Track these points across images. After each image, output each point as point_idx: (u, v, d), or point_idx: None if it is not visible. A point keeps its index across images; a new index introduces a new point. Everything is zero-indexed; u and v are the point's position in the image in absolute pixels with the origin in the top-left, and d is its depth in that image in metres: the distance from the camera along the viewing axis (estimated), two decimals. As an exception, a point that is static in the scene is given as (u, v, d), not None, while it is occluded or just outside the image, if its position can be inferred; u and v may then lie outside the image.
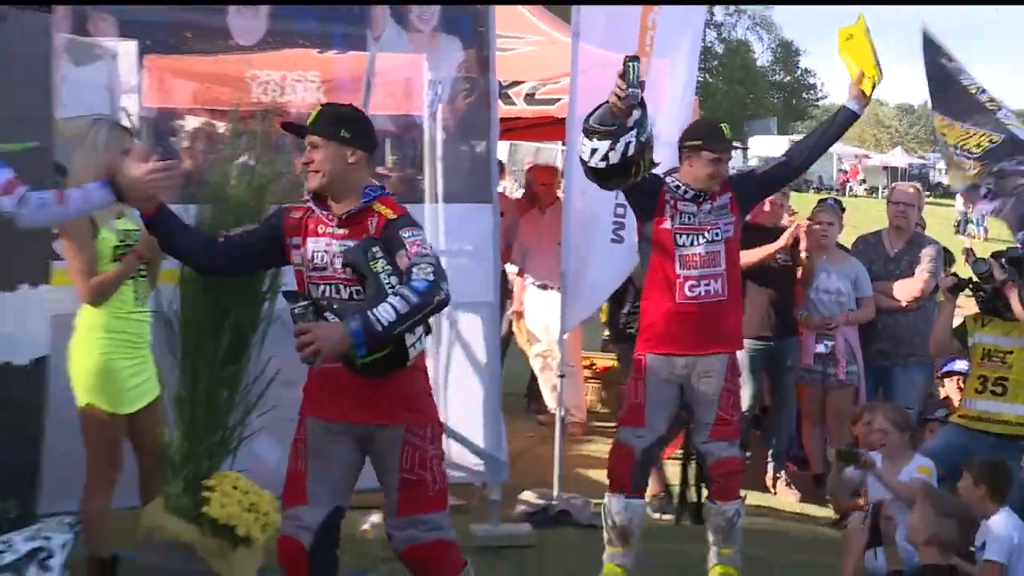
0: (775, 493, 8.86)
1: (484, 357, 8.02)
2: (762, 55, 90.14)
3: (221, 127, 7.53)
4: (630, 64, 5.76)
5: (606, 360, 11.38)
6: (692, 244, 6.33)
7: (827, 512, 8.35)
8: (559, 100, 9.83)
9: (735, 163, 15.35)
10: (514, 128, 11.92)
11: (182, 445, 5.63)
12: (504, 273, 9.78)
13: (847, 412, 8.45)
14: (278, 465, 6.13)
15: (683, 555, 6.99)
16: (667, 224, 6.38)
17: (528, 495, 8.00)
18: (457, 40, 8.06)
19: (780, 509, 8.55)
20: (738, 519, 6.45)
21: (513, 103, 10.02)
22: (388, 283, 4.64)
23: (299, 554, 4.96)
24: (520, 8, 11.78)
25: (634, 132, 5.89)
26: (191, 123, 8.06)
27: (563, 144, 11.20)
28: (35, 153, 5.63)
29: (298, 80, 8.07)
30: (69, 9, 6.84)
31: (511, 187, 19.42)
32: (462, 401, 7.97)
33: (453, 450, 7.88)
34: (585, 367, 11.28)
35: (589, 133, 6.01)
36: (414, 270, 4.63)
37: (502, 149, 9.94)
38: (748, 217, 7.02)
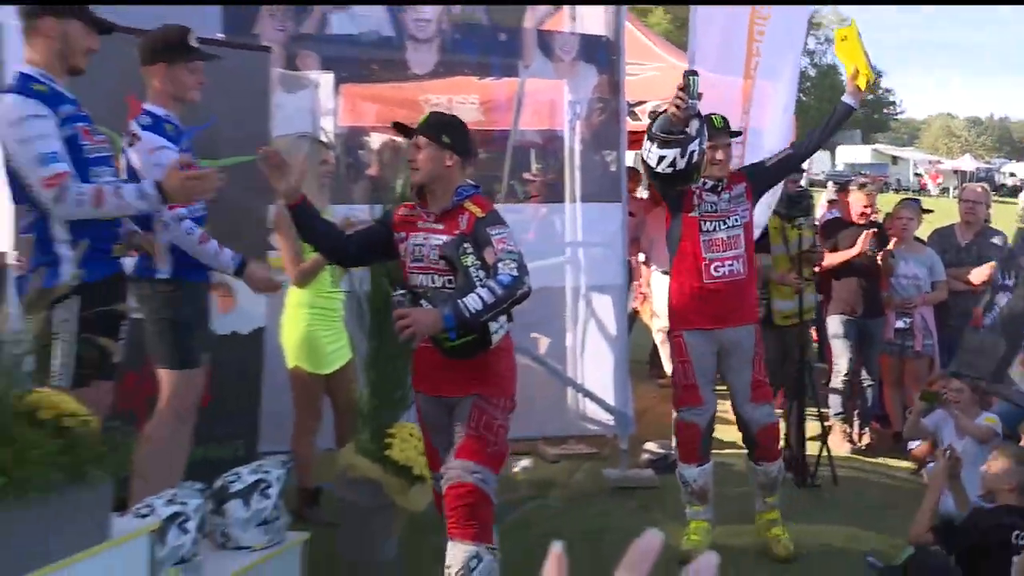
0: (862, 447, 8.76)
1: (614, 331, 8.01)
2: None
3: (401, 142, 7.64)
4: (690, 78, 5.54)
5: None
6: (716, 230, 6.06)
7: (905, 464, 8.24)
8: None
9: (823, 166, 15.31)
10: (640, 140, 11.81)
11: (369, 400, 5.68)
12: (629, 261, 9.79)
13: (924, 378, 8.38)
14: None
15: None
16: (694, 213, 6.10)
17: (651, 445, 7.98)
18: (593, 68, 8.05)
19: (865, 460, 8.46)
20: (780, 474, 6.21)
21: (639, 119, 9.94)
22: (476, 276, 4.40)
23: None
24: (644, 39, 11.75)
25: (697, 141, 5.66)
26: (376, 139, 8.19)
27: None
28: (255, 165, 5.78)
29: (461, 102, 8.20)
30: (282, 48, 7.00)
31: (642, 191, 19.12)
32: (596, 367, 8.01)
33: (588, 408, 8.01)
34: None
35: (658, 142, 5.71)
36: (500, 265, 4.40)
37: (631, 158, 9.84)
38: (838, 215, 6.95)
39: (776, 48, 8.20)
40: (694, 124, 5.66)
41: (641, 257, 10.57)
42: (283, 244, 6.03)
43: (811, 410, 7.84)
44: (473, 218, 4.58)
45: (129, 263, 4.94)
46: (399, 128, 4.88)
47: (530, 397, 7.63)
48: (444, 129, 4.71)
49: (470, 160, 4.80)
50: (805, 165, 8.59)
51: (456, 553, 4.53)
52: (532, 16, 8.20)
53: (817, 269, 8.28)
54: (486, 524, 4.59)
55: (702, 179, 6.07)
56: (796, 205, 7.25)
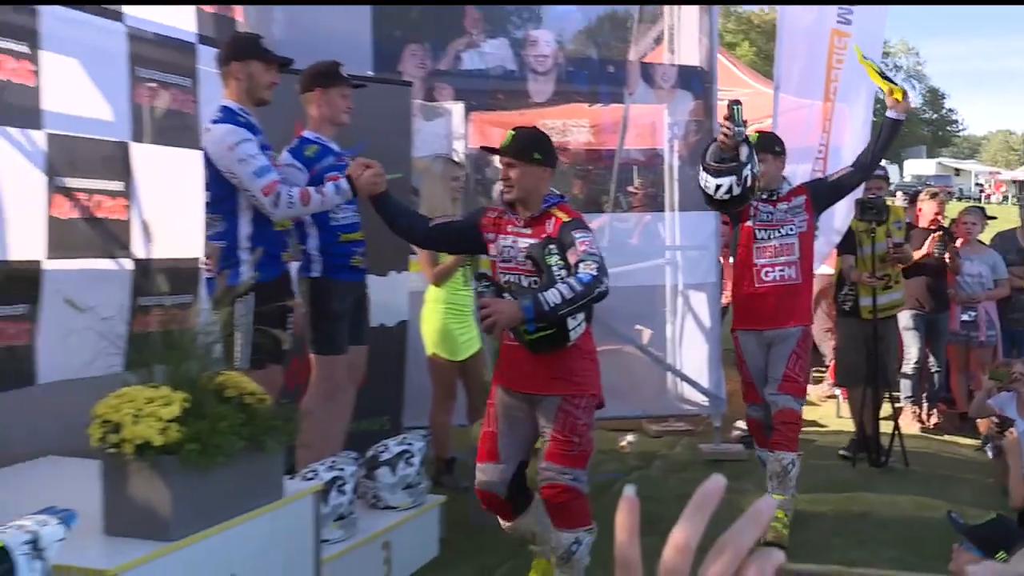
0: (930, 427, 8.60)
1: (708, 323, 7.97)
2: (915, 99, 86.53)
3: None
4: (734, 107, 5.22)
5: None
6: (768, 238, 5.74)
7: (970, 442, 8.06)
8: None
9: (893, 178, 14.95)
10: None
11: (497, 382, 5.74)
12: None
13: (988, 365, 8.19)
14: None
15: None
16: (750, 223, 5.80)
17: (741, 423, 7.87)
18: (689, 94, 8.03)
19: (933, 438, 8.30)
20: (792, 468, 5.56)
21: (728, 137, 9.87)
22: (558, 274, 4.17)
23: (501, 504, 4.59)
24: (733, 68, 11.67)
25: (749, 166, 5.28)
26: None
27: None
28: (400, 181, 5.88)
29: (574, 126, 8.25)
30: (422, 82, 7.12)
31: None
32: (692, 354, 8.01)
33: (686, 390, 8.00)
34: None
35: (712, 171, 5.32)
36: (581, 265, 4.14)
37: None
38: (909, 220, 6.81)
39: (852, 73, 8.08)
40: (743, 150, 5.31)
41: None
42: (422, 251, 6.07)
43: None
44: (559, 222, 4.34)
45: (294, 266, 5.09)
46: (486, 149, 4.77)
47: (635, 381, 7.71)
48: (534, 147, 4.42)
49: (555, 168, 4.54)
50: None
51: (560, 539, 4.42)
52: (636, 50, 8.26)
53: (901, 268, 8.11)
54: (581, 512, 4.44)
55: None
56: (868, 210, 7.10)
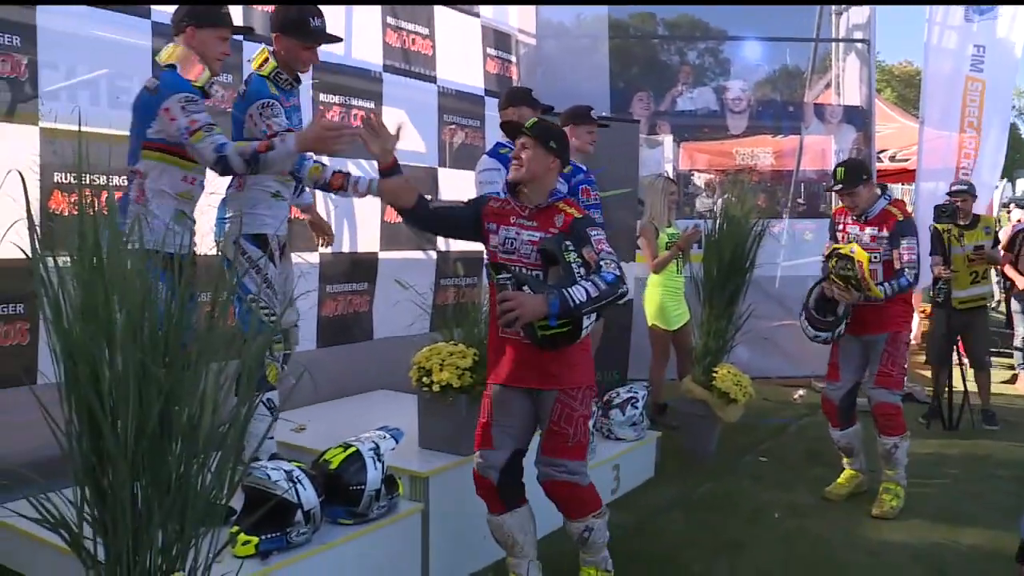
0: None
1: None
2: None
3: (719, 179, 7.53)
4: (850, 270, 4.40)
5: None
6: None
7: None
8: (910, 159, 9.20)
9: (1008, 193, 13.48)
10: (882, 177, 11.04)
11: (702, 347, 5.51)
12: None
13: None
14: (747, 361, 6.12)
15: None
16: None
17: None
18: (852, 127, 7.66)
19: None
20: (895, 451, 4.61)
21: (882, 161, 9.36)
22: (578, 272, 3.08)
23: (490, 488, 3.30)
24: (884, 107, 10.99)
25: (845, 321, 4.56)
26: (703, 177, 8.06)
27: (906, 184, 10.45)
28: (628, 195, 5.78)
29: (761, 152, 7.88)
30: (646, 120, 7.04)
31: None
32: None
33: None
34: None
35: (813, 324, 4.62)
36: (602, 264, 3.10)
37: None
38: None
39: (986, 111, 7.53)
40: (842, 307, 4.51)
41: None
42: (645, 246, 5.94)
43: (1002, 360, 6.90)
44: (570, 218, 3.23)
45: None
46: (508, 127, 3.52)
47: (805, 348, 7.16)
48: (551, 136, 3.31)
49: (565, 164, 3.38)
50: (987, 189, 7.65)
51: (571, 529, 3.34)
52: (810, 94, 7.93)
53: (996, 267, 7.26)
54: (586, 500, 3.31)
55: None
56: (941, 214, 6.48)
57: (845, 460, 4.92)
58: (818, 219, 7.82)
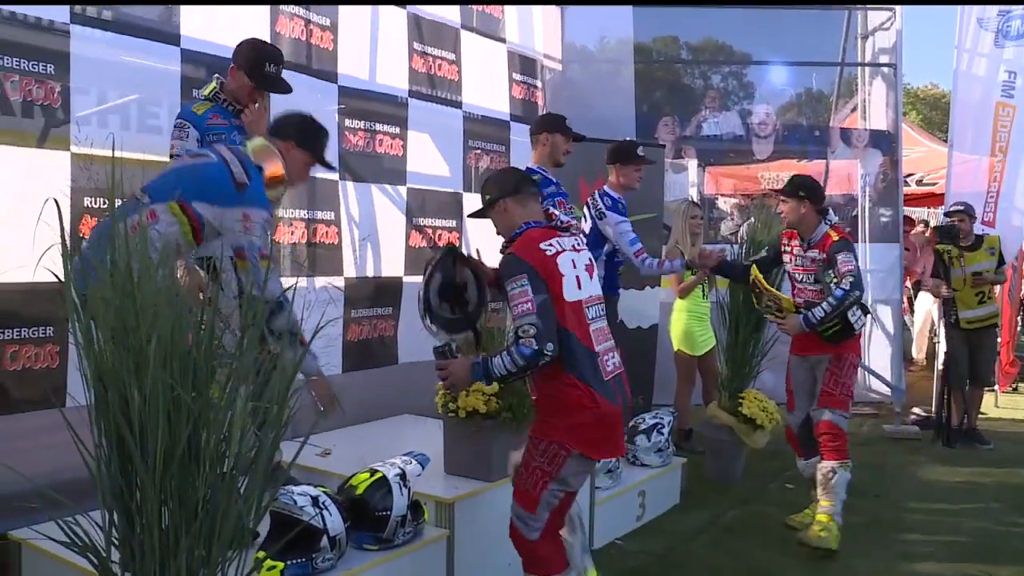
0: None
1: (892, 330, 7.44)
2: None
3: (744, 203, 7.51)
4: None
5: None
6: (803, 281, 4.45)
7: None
8: (937, 183, 9.23)
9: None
10: (911, 201, 10.94)
11: (727, 373, 5.50)
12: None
13: None
14: (773, 387, 6.04)
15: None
16: (789, 266, 4.56)
17: (916, 409, 7.30)
18: (878, 151, 7.59)
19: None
20: (832, 477, 4.29)
21: (909, 185, 9.32)
22: (508, 338, 2.87)
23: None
24: (911, 131, 10.95)
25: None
26: (728, 202, 8.07)
27: (934, 208, 10.40)
28: (655, 220, 5.76)
29: (786, 176, 7.83)
30: (671, 145, 7.08)
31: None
32: (878, 354, 7.47)
33: (872, 382, 7.48)
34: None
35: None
36: (519, 331, 2.73)
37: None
38: None
39: (1016, 135, 7.47)
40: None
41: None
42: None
43: None
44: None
45: None
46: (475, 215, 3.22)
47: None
48: (485, 189, 3.13)
49: (494, 206, 3.07)
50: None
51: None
52: (836, 118, 7.93)
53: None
54: (528, 556, 2.95)
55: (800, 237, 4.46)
56: (947, 234, 6.42)
57: (812, 491, 4.52)
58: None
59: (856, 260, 4.26)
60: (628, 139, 5.11)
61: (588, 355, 2.83)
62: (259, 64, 3.53)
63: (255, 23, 4.40)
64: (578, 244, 2.98)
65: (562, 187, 4.59)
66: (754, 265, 4.52)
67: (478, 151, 5.99)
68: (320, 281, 4.81)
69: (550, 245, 2.87)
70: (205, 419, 2.04)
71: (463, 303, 3.08)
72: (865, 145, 7.59)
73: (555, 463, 2.86)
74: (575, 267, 2.88)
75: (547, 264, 2.81)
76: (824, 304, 4.23)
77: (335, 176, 4.98)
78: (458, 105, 5.84)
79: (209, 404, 2.05)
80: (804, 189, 4.37)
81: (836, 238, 4.31)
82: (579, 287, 2.86)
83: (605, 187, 4.91)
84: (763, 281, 4.44)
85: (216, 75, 3.67)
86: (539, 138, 4.59)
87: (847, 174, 7.79)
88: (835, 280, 4.24)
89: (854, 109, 8.02)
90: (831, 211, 4.50)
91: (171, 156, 3.49)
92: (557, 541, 3.00)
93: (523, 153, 5.69)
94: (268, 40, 4.40)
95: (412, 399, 4.98)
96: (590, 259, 3.00)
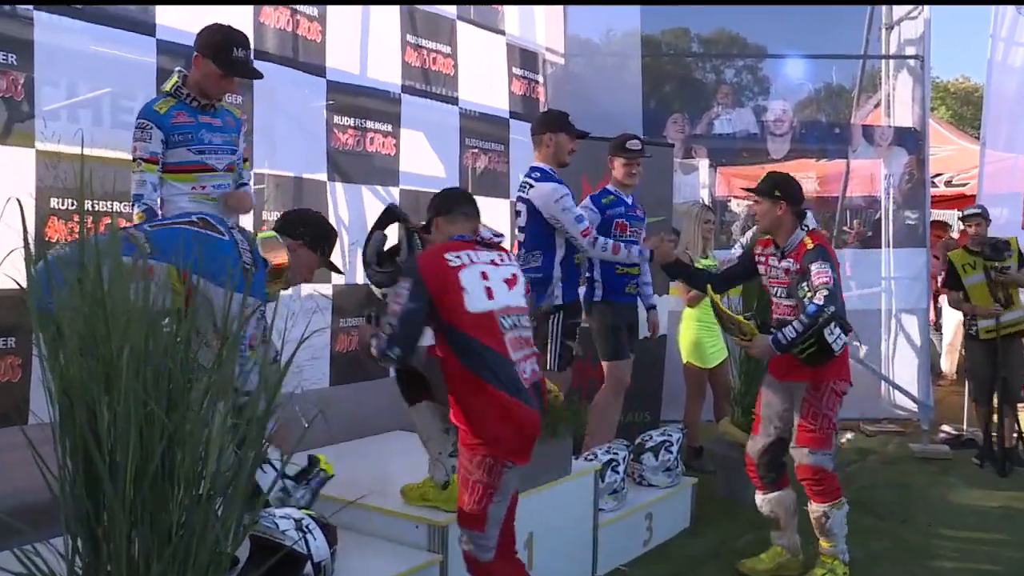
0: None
1: (919, 341, 7.37)
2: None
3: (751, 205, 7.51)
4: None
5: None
6: (779, 295, 4.19)
7: None
8: (968, 184, 9.24)
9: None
10: (938, 203, 10.91)
11: (739, 387, 5.49)
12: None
13: None
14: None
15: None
16: (764, 279, 4.30)
17: (947, 427, 7.28)
18: (903, 150, 7.56)
19: None
20: (827, 521, 4.11)
21: (937, 186, 9.30)
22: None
23: None
24: (940, 128, 10.95)
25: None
26: (740, 204, 8.07)
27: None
28: (663, 223, 5.76)
29: (804, 177, 7.85)
30: (681, 144, 7.10)
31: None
32: (903, 367, 7.40)
33: (897, 398, 7.43)
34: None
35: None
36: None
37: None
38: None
39: None
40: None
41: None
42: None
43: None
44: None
45: (582, 291, 5.05)
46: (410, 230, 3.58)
47: (853, 388, 7.17)
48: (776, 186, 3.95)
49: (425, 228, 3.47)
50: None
51: None
52: (858, 115, 7.90)
53: None
54: (477, 570, 3.08)
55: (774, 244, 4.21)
56: (994, 250, 6.40)
57: (774, 532, 4.37)
58: (868, 249, 7.78)
59: (833, 270, 3.92)
60: (628, 133, 5.14)
61: (504, 363, 2.98)
62: (226, 49, 3.52)
63: (237, 13, 4.39)
64: (500, 259, 3.17)
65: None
66: (710, 285, 4.27)
67: (475, 150, 5.99)
68: (306, 288, 4.80)
69: (458, 257, 3.06)
70: (180, 436, 2.03)
71: (394, 261, 3.43)
72: (889, 143, 7.57)
73: (494, 474, 2.99)
74: (486, 279, 3.05)
75: (444, 275, 3.00)
76: (795, 323, 3.89)
77: (323, 176, 4.98)
78: (454, 101, 5.85)
79: (185, 420, 2.04)
80: (781, 188, 4.08)
81: (811, 245, 3.98)
82: (490, 298, 3.03)
83: (608, 185, 5.07)
84: (718, 301, 4.19)
85: (178, 68, 3.66)
86: (542, 138, 4.65)
87: (869, 174, 7.80)
88: (809, 294, 3.93)
89: (877, 105, 8.01)
90: (809, 214, 4.26)
91: (134, 159, 3.48)
92: (516, 561, 3.15)
93: (523, 152, 5.71)
94: (252, 32, 4.42)
95: (404, 415, 4.90)
96: (513, 274, 3.18)
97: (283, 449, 2.96)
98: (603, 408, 4.97)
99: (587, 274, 5.04)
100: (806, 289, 3.96)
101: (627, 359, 5.05)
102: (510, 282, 3.14)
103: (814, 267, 3.91)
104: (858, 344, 7.42)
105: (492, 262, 3.12)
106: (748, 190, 4.39)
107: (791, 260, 4.07)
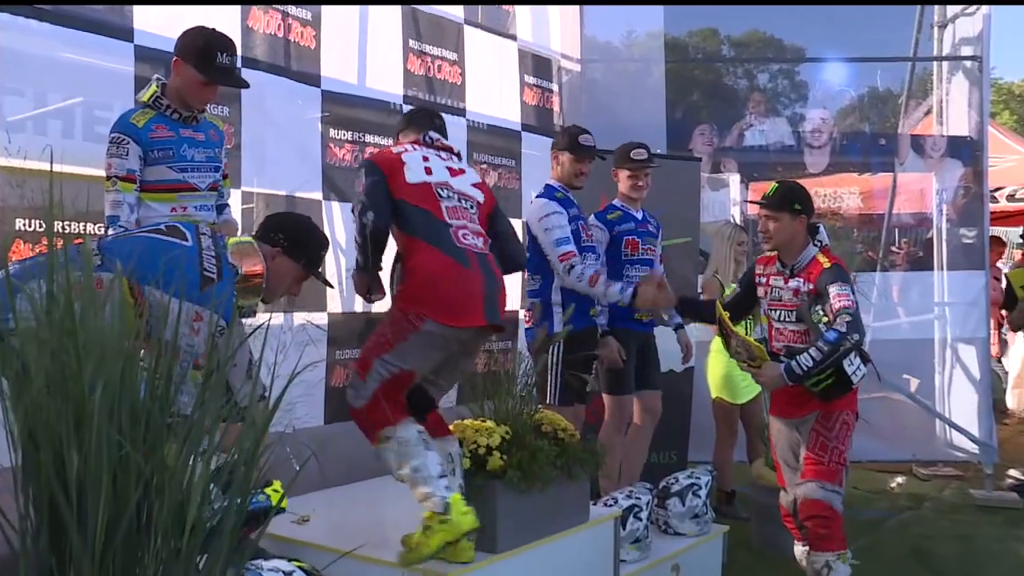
0: None
1: (978, 374, 7.30)
2: None
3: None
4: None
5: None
6: (781, 319, 4.16)
7: None
8: None
9: None
10: (999, 219, 10.85)
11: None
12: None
13: None
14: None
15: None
16: (764, 302, 4.25)
17: (1014, 472, 7.17)
18: (958, 162, 7.53)
19: None
20: (828, 573, 4.04)
21: (997, 200, 9.26)
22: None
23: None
24: (1000, 136, 10.92)
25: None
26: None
27: None
28: (689, 244, 5.77)
29: (846, 193, 7.88)
30: (709, 158, 7.12)
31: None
32: (961, 404, 7.30)
33: (955, 437, 7.33)
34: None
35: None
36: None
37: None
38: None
39: None
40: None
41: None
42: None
43: None
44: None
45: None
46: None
47: (903, 426, 7.18)
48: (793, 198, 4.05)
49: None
50: None
51: None
52: (906, 123, 7.89)
53: None
54: (353, 415, 3.52)
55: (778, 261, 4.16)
56: None
57: None
58: (918, 271, 7.76)
59: (853, 293, 3.90)
60: (633, 142, 5.18)
61: (438, 224, 3.46)
62: (210, 54, 3.51)
63: (224, 16, 4.43)
64: (446, 156, 3.69)
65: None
66: (718, 302, 4.28)
67: (484, 165, 6.03)
68: (299, 317, 4.83)
69: (404, 149, 3.66)
70: (159, 482, 2.04)
71: None
72: (942, 155, 7.56)
73: (399, 334, 3.39)
74: (427, 161, 3.60)
75: (390, 160, 3.58)
76: (812, 351, 3.84)
77: (318, 195, 5.02)
78: (461, 112, 5.90)
79: (164, 465, 2.05)
80: (800, 199, 4.05)
81: (827, 264, 3.97)
82: (428, 173, 3.56)
83: (615, 200, 5.20)
84: (728, 321, 4.11)
85: (156, 76, 3.65)
86: (553, 155, 4.79)
87: (919, 189, 7.78)
88: (825, 319, 3.88)
89: (928, 112, 7.99)
90: (821, 228, 4.19)
91: (108, 177, 3.46)
92: (389, 403, 3.38)
93: (535, 167, 5.77)
94: (239, 37, 4.48)
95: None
96: (461, 168, 3.71)
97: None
98: (614, 447, 4.99)
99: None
100: (822, 314, 3.91)
101: (627, 393, 5.10)
102: (454, 172, 3.65)
103: (833, 289, 3.88)
104: (908, 378, 7.41)
105: (439, 156, 3.66)
106: (753, 202, 4.38)
107: (801, 280, 4.03)
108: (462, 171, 3.72)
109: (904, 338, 7.39)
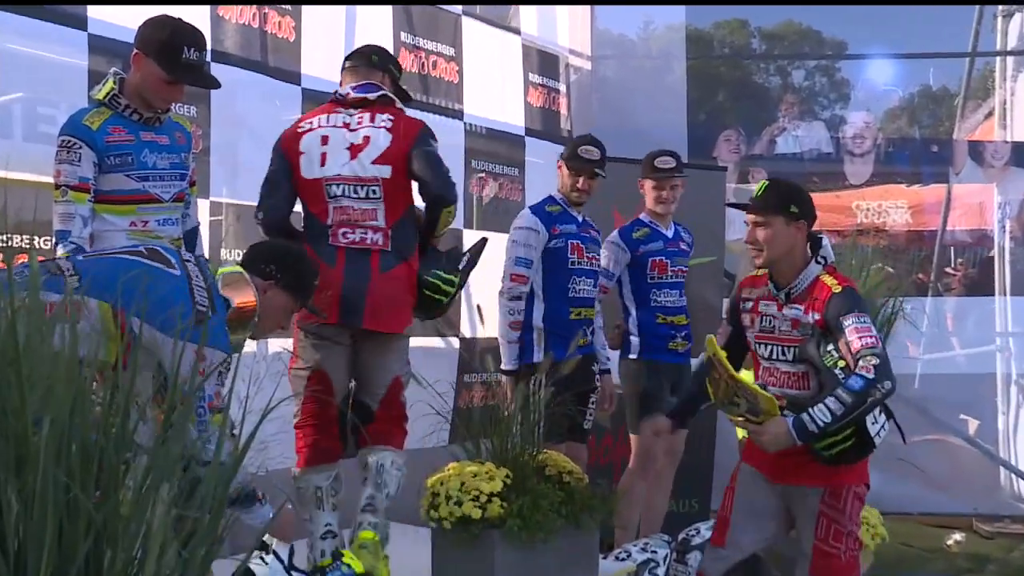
0: None
1: (1047, 415, 7.34)
2: None
3: (834, 243, 7.52)
4: None
5: None
6: (771, 356, 3.62)
7: None
8: None
9: None
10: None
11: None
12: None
13: None
14: (878, 490, 5.93)
15: None
16: (749, 333, 3.71)
17: (1095, 531, 7.19)
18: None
19: None
20: None
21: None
22: None
23: None
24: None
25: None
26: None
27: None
28: (713, 264, 5.79)
29: (891, 207, 7.88)
30: (735, 167, 7.12)
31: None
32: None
33: (1022, 488, 7.32)
34: None
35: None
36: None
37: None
38: None
39: None
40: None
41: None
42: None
43: None
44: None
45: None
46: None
47: (962, 475, 7.14)
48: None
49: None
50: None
51: None
52: (963, 127, 7.86)
53: None
54: None
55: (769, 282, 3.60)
56: None
57: None
58: (976, 296, 7.75)
59: (874, 326, 3.43)
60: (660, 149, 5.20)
61: (320, 226, 3.79)
62: (175, 49, 3.41)
63: (191, 4, 4.41)
64: (355, 123, 3.82)
65: (590, 227, 4.86)
66: (712, 338, 3.59)
67: (483, 174, 6.06)
68: (273, 345, 4.83)
69: (309, 122, 3.88)
70: (111, 531, 2.04)
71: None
72: (1004, 163, 7.61)
73: (296, 341, 3.93)
74: (325, 144, 3.79)
75: (293, 140, 3.83)
76: (829, 401, 3.26)
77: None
78: (458, 115, 5.93)
79: (118, 513, 2.05)
80: (797, 201, 3.52)
81: (838, 288, 3.42)
82: (321, 164, 3.78)
83: (642, 215, 5.20)
84: (725, 361, 3.44)
85: (113, 70, 3.58)
86: (558, 163, 4.87)
87: (978, 203, 7.79)
88: (841, 362, 3.36)
89: (989, 114, 8.01)
90: (826, 242, 3.67)
91: (56, 186, 3.38)
92: (323, 434, 3.91)
93: (540, 176, 5.79)
94: (209, 29, 4.50)
95: (395, 501, 4.98)
96: (365, 136, 3.77)
97: (283, 539, 3.06)
98: (635, 492, 4.99)
99: (622, 323, 5.10)
100: (835, 355, 3.39)
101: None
102: (354, 148, 3.78)
103: (849, 322, 3.34)
104: (966, 418, 7.39)
105: (344, 124, 3.82)
106: (735, 205, 4.00)
107: (799, 307, 3.47)
108: (367, 141, 3.79)
109: (960, 372, 7.38)
